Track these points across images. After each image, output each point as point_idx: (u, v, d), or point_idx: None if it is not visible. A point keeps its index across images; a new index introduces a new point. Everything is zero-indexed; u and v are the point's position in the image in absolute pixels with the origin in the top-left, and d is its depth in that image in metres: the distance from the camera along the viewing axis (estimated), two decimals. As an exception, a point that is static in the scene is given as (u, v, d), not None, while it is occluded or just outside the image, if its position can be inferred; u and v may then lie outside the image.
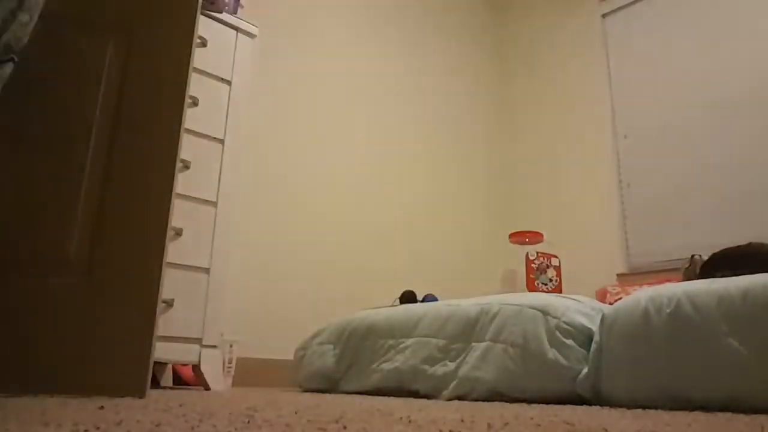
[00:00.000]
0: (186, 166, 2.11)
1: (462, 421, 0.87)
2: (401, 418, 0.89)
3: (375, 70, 3.68)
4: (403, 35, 3.90)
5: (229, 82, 2.35)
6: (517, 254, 3.90)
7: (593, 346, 1.52)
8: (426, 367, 1.85)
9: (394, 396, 1.84)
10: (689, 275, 1.77)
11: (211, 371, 2.11)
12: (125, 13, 1.56)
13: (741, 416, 1.07)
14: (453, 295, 3.35)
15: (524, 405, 1.42)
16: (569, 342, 1.55)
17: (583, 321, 1.59)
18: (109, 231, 1.44)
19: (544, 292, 3.55)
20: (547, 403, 1.49)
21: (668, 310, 1.36)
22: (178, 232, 2.06)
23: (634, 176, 3.54)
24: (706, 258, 1.77)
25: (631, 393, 1.39)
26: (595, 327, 1.57)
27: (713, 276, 1.55)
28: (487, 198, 4.15)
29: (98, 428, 0.66)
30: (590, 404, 1.45)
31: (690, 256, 1.84)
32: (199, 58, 2.20)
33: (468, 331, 1.81)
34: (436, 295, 3.02)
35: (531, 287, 3.57)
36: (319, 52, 3.41)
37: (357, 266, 3.04)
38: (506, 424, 0.83)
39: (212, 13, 2.32)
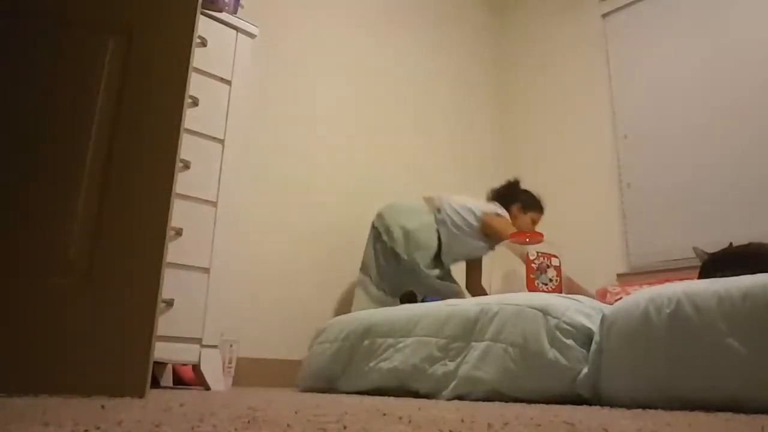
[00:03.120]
0: (186, 166, 2.11)
1: (462, 421, 0.87)
2: (401, 418, 0.89)
3: (375, 70, 3.68)
4: (404, 36, 3.90)
5: (229, 82, 2.34)
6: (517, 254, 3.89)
7: (593, 346, 1.52)
8: (426, 366, 1.85)
9: (394, 396, 1.84)
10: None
11: (211, 371, 2.11)
12: (125, 12, 1.56)
13: (741, 416, 1.07)
14: (453, 295, 3.34)
15: (524, 405, 1.42)
16: (569, 342, 1.55)
17: (584, 321, 1.59)
18: (109, 231, 1.44)
19: (544, 292, 3.54)
20: (547, 403, 1.49)
21: (668, 311, 1.36)
22: (178, 232, 2.06)
23: (634, 176, 3.53)
24: (706, 251, 1.76)
25: (631, 393, 1.38)
26: (595, 327, 1.57)
27: (713, 276, 1.55)
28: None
29: (98, 428, 0.66)
30: (590, 404, 1.45)
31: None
32: (199, 58, 2.20)
33: (468, 330, 1.81)
34: (436, 295, 3.01)
35: (531, 287, 3.56)
36: (319, 52, 3.40)
37: (357, 266, 3.03)
38: (506, 424, 0.83)
39: (212, 13, 2.32)
